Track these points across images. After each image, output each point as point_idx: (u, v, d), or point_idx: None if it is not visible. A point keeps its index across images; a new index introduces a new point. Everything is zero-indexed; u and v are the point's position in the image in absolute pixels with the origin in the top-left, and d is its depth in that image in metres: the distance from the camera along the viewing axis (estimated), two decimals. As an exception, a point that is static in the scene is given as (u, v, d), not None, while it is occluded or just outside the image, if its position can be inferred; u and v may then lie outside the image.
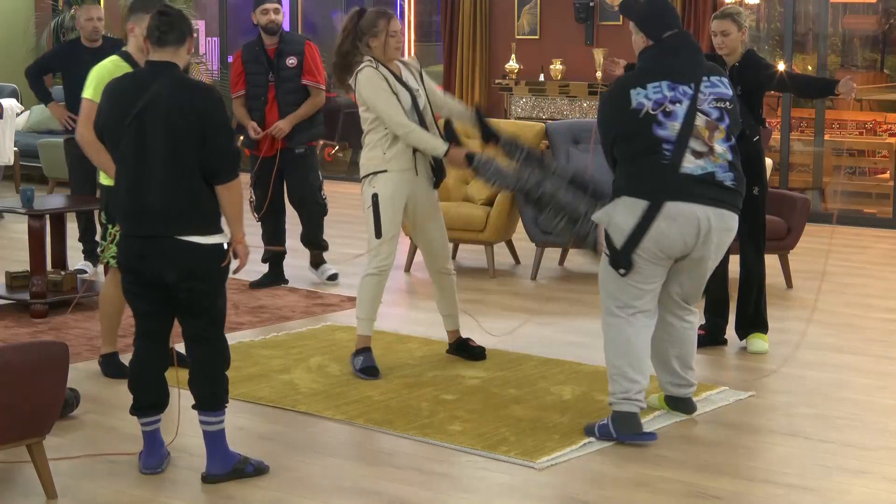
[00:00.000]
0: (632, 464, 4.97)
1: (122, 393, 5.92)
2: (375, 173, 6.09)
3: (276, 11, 8.12)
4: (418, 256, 8.75)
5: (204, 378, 4.73)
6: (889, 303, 7.96)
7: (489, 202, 8.79)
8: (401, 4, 16.11)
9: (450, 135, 6.06)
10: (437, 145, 5.99)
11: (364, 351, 6.19)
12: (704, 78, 5.17)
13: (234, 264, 4.76)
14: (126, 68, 5.84)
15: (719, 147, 5.11)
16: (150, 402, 4.81)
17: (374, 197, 6.07)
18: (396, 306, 7.79)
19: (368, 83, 5.99)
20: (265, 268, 8.35)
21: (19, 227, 9.91)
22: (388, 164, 6.07)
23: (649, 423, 5.42)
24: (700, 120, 5.09)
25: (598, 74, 11.87)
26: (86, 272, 8.67)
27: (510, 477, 4.82)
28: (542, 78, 12.16)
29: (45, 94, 8.80)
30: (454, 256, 8.91)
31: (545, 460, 4.96)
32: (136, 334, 4.85)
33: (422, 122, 6.07)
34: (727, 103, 5.18)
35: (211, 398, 4.72)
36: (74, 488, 4.66)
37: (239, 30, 15.45)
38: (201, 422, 4.76)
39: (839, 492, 4.71)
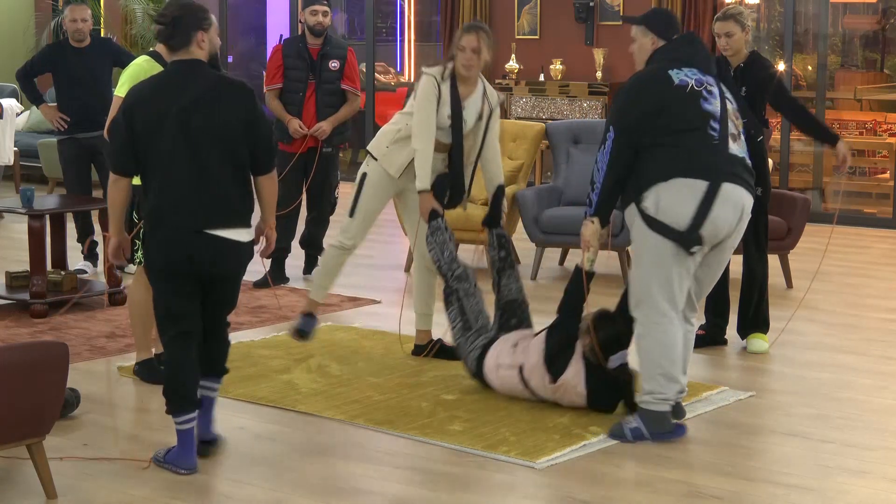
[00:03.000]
0: (632, 464, 4.97)
1: (122, 393, 5.93)
2: (374, 156, 6.22)
3: (325, 14, 8.19)
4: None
5: (220, 353, 4.97)
6: (889, 303, 7.96)
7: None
8: (401, 4, 16.12)
9: (457, 196, 6.22)
10: (422, 180, 6.04)
11: (307, 315, 6.43)
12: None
13: (259, 247, 4.92)
14: (158, 68, 5.85)
15: (742, 140, 5.24)
16: (187, 401, 4.83)
17: (363, 176, 6.23)
18: (396, 306, 7.78)
19: (422, 89, 6.09)
20: (263, 268, 8.34)
21: (19, 227, 9.91)
22: (383, 158, 6.17)
23: (649, 423, 5.42)
24: (729, 105, 5.21)
25: (599, 74, 11.87)
26: (86, 272, 8.69)
27: (510, 477, 4.82)
28: (542, 78, 12.16)
29: (36, 96, 8.80)
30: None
31: (545, 460, 4.96)
32: (170, 335, 4.84)
33: (457, 145, 6.13)
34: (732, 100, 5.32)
35: (216, 367, 4.96)
36: (74, 488, 4.66)
37: (239, 30, 15.44)
38: (206, 388, 4.91)
39: (839, 492, 4.71)
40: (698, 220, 5.03)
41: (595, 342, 5.35)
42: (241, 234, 4.76)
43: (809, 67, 12.76)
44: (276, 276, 8.29)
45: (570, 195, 8.78)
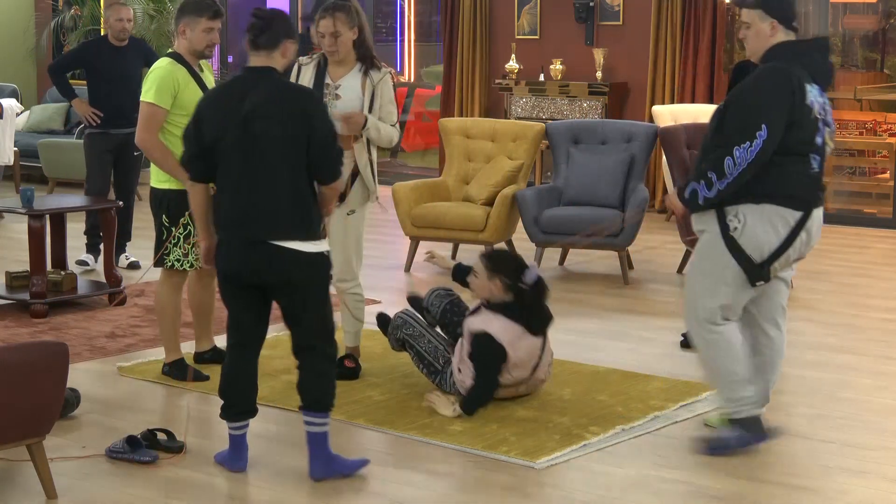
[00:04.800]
0: (632, 464, 4.97)
1: (122, 393, 5.92)
2: None
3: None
4: (419, 256, 8.76)
5: (309, 382, 4.82)
6: (889, 303, 7.96)
7: (489, 202, 8.79)
8: (401, 4, 16.12)
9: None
10: None
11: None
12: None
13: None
14: (181, 69, 5.86)
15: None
16: (240, 408, 4.85)
17: None
18: (396, 306, 7.78)
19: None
20: None
21: (19, 227, 9.91)
22: None
23: (647, 424, 5.42)
24: (827, 132, 4.96)
25: (599, 74, 11.87)
26: (87, 264, 8.78)
27: (510, 477, 4.82)
28: (542, 78, 12.16)
29: (69, 91, 8.94)
30: (454, 256, 8.91)
31: (545, 460, 4.96)
32: (229, 343, 4.88)
33: None
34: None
35: (314, 401, 4.79)
36: (74, 488, 4.66)
37: (239, 30, 15.43)
38: (305, 422, 4.80)
39: (839, 492, 4.71)
40: (776, 255, 4.87)
41: (502, 276, 5.60)
42: (301, 245, 4.65)
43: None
44: None
45: (570, 195, 8.78)
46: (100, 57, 8.71)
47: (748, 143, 4.74)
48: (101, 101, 8.66)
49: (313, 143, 4.63)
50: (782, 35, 4.93)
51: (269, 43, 4.75)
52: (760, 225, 4.85)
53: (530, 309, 5.64)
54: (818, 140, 4.88)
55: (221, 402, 4.86)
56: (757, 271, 4.89)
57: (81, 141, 9.25)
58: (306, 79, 5.93)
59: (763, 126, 4.74)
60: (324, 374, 4.83)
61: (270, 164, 4.62)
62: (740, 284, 4.93)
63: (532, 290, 5.64)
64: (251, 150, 4.62)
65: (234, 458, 4.87)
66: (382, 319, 6.23)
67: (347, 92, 5.88)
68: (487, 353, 5.49)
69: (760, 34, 4.94)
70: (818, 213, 4.97)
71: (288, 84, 4.79)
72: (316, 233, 4.70)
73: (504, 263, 5.70)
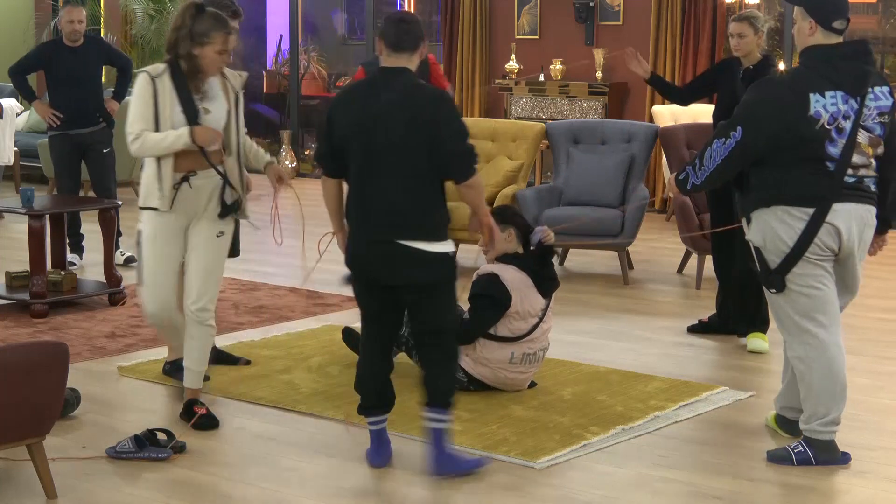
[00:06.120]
0: (632, 464, 4.97)
1: (122, 393, 5.92)
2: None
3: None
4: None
5: (432, 378, 4.83)
6: (887, 303, 7.96)
7: (489, 202, 8.78)
8: (401, 4, 16.12)
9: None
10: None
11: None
12: (870, 89, 4.88)
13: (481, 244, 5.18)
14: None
15: (874, 162, 4.92)
16: (374, 402, 4.89)
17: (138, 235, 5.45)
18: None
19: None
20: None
21: (19, 227, 9.91)
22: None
23: (647, 424, 5.42)
24: (863, 136, 4.85)
25: (599, 74, 11.87)
26: (74, 264, 8.84)
27: (510, 477, 4.82)
28: (542, 78, 12.17)
29: (29, 93, 8.97)
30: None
31: (545, 460, 4.96)
32: (362, 338, 4.94)
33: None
34: (888, 116, 4.95)
35: (436, 396, 4.81)
36: (74, 488, 4.66)
37: (239, 30, 15.44)
38: (426, 419, 4.82)
39: (839, 492, 4.71)
40: (795, 256, 4.83)
41: (513, 228, 5.80)
42: (426, 245, 4.67)
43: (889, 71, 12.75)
44: None
45: (570, 195, 8.78)
46: (56, 58, 8.74)
47: (724, 139, 4.89)
48: (60, 103, 8.70)
49: (443, 142, 4.64)
50: (821, 37, 4.92)
51: (412, 45, 4.76)
52: (777, 224, 4.85)
53: (538, 271, 5.82)
54: (831, 150, 4.80)
55: (359, 397, 4.90)
56: (768, 278, 4.91)
57: None
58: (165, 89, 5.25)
59: (739, 128, 4.85)
60: (448, 370, 4.87)
61: (398, 164, 4.66)
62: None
63: (538, 250, 5.85)
64: (374, 151, 4.67)
65: (375, 453, 4.91)
66: (349, 333, 6.31)
67: (213, 106, 5.33)
68: (491, 290, 5.66)
69: (801, 32, 4.96)
70: (847, 207, 4.84)
71: (419, 85, 4.77)
72: (442, 233, 4.73)
73: (514, 216, 5.94)
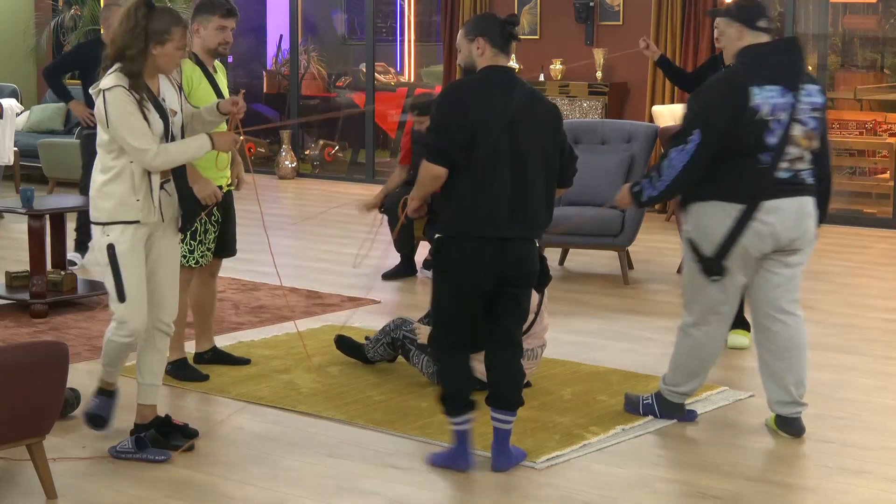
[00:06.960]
0: (632, 464, 4.97)
1: (122, 393, 5.92)
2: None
3: None
4: (419, 256, 8.76)
5: (503, 377, 4.86)
6: (889, 303, 7.96)
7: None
8: (401, 4, 16.12)
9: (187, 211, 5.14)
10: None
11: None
12: (801, 86, 5.06)
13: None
14: (196, 68, 5.85)
15: (809, 155, 5.09)
16: (458, 401, 4.86)
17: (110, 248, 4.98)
18: (397, 306, 7.79)
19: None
20: (396, 259, 8.66)
21: (19, 227, 9.91)
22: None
23: (647, 424, 5.42)
24: (798, 129, 5.02)
25: (599, 74, 11.87)
26: (76, 263, 8.82)
27: (510, 477, 4.82)
28: (542, 78, 12.16)
29: (65, 93, 8.95)
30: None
31: (545, 460, 4.96)
32: (448, 340, 4.87)
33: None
34: (820, 112, 5.13)
35: (506, 400, 4.84)
36: (74, 488, 4.66)
37: (239, 30, 15.45)
38: (493, 418, 4.85)
39: (839, 492, 4.71)
40: (727, 245, 5.04)
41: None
42: (535, 245, 4.84)
43: (809, 67, 12.73)
44: (406, 269, 8.63)
45: (570, 195, 8.74)
46: (96, 58, 8.71)
47: (682, 146, 5.02)
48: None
49: (562, 148, 4.83)
50: (749, 38, 5.14)
51: (508, 45, 4.86)
52: (710, 222, 5.07)
53: None
54: (770, 140, 4.98)
55: (443, 398, 4.86)
56: (706, 264, 5.10)
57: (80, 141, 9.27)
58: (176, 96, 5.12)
59: (696, 132, 4.99)
60: (519, 372, 4.91)
61: (530, 166, 4.72)
62: (703, 282, 5.18)
63: None
64: (515, 152, 4.70)
65: (457, 456, 4.86)
66: (342, 341, 6.33)
67: (173, 104, 5.09)
68: None
69: (730, 39, 5.21)
70: (777, 204, 5.02)
71: (533, 89, 4.86)
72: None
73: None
